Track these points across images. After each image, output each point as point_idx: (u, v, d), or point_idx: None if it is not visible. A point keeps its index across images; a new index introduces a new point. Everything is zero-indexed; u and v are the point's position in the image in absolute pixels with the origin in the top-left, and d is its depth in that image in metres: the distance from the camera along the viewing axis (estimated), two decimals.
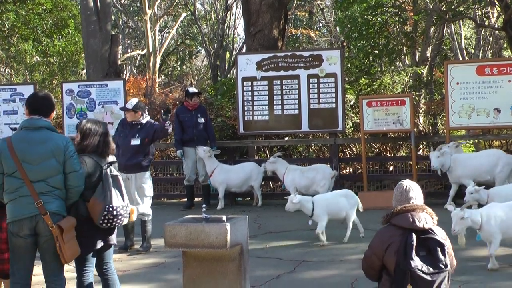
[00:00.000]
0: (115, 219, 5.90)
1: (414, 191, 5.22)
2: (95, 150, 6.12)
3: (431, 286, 4.85)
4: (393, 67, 18.76)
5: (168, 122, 9.66)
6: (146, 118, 9.74)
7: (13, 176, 5.71)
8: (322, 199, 9.79)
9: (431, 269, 4.86)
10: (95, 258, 6.22)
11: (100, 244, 6.08)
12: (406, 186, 5.24)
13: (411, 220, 4.99)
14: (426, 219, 5.02)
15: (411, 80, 16.97)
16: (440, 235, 5.03)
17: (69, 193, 5.84)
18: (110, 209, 5.86)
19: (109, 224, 5.90)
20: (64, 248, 5.67)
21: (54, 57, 23.95)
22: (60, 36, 24.32)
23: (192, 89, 13.63)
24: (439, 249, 4.92)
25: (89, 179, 5.98)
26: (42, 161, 5.70)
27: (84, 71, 22.15)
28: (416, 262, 4.85)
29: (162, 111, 9.93)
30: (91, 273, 6.22)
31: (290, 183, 12.58)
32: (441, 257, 4.90)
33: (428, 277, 4.83)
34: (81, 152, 6.08)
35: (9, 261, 5.92)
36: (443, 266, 4.88)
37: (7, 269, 6.20)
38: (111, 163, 6.14)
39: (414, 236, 4.91)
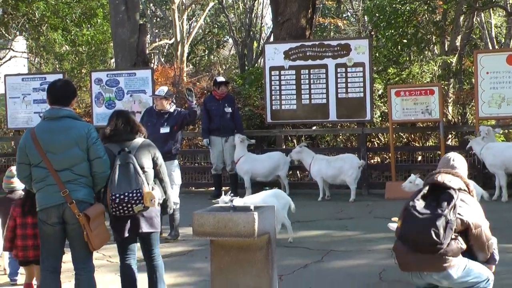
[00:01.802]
0: (119, 207, 5.92)
1: (456, 161, 5.67)
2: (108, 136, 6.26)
3: (420, 224, 5.23)
4: (421, 57, 18.62)
5: (194, 102, 9.67)
6: (173, 107, 9.79)
7: (39, 166, 5.76)
8: (251, 200, 8.87)
9: (425, 210, 5.28)
10: (135, 245, 6.30)
11: (128, 232, 6.14)
12: (450, 156, 5.74)
13: (434, 177, 5.46)
14: (452, 180, 5.40)
15: (440, 70, 16.83)
16: (464, 199, 5.36)
17: (95, 179, 5.88)
18: (112, 197, 5.91)
19: (120, 212, 5.95)
20: (92, 235, 5.72)
21: (83, 46, 24.06)
22: (89, 25, 24.43)
23: (220, 78, 13.64)
24: (445, 202, 5.25)
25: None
26: (65, 150, 5.73)
27: (113, 60, 22.24)
28: (416, 203, 5.34)
29: (186, 92, 9.93)
30: (133, 259, 6.30)
31: (316, 172, 12.58)
32: (444, 206, 5.22)
33: (419, 215, 5.25)
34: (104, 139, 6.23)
35: (40, 248, 6.00)
36: (440, 212, 5.19)
37: (31, 256, 6.28)
38: (123, 149, 6.14)
39: (427, 187, 5.42)
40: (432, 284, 5.56)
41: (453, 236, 5.26)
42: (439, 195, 5.35)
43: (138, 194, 5.95)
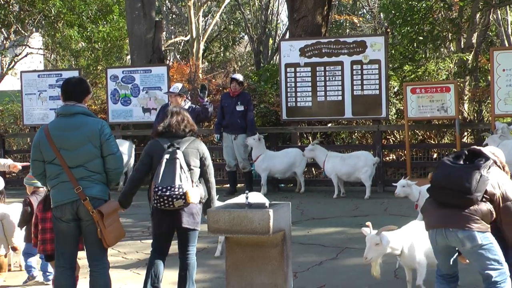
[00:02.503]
0: (161, 199, 6.01)
1: (494, 149, 5.86)
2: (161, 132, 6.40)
3: (454, 171, 5.41)
4: (437, 54, 18.58)
5: (207, 100, 9.68)
6: (188, 104, 9.81)
7: (52, 163, 5.78)
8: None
9: (460, 162, 5.51)
10: (170, 241, 6.43)
11: (167, 227, 6.25)
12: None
13: (472, 147, 5.72)
14: (489, 153, 5.59)
15: (456, 67, 16.76)
16: (498, 172, 5.55)
17: (109, 176, 5.90)
18: (156, 189, 6.02)
19: (161, 205, 6.02)
20: (106, 232, 5.73)
21: (99, 43, 24.14)
22: (105, 22, 24.50)
23: (234, 75, 13.68)
24: (481, 161, 5.42)
25: (153, 160, 6.29)
26: (78, 147, 5.74)
27: (128, 57, 22.33)
28: (450, 158, 5.60)
29: (199, 89, 9.95)
30: (163, 255, 6.42)
31: (330, 170, 12.56)
32: (479, 163, 5.39)
33: (453, 164, 5.47)
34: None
35: (54, 243, 6.05)
36: (475, 166, 5.38)
37: (49, 249, 6.32)
38: (172, 145, 6.25)
39: (465, 151, 5.62)
40: (452, 250, 5.59)
41: (484, 200, 5.34)
42: (474, 160, 5.51)
43: (180, 190, 6.04)
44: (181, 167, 6.11)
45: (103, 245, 5.83)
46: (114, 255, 8.48)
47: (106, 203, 5.83)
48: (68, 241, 5.87)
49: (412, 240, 6.41)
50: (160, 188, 6.02)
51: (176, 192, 6.02)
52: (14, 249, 6.90)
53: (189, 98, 10.00)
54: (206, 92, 9.78)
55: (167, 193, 6.00)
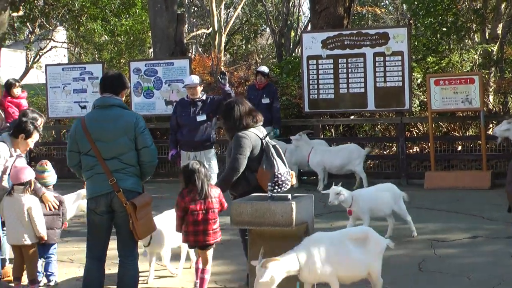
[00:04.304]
0: (283, 184, 6.15)
1: None
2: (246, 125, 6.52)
3: None
4: (461, 45, 18.37)
5: (227, 85, 9.64)
6: (204, 94, 9.82)
7: (88, 154, 5.83)
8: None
9: None
10: None
11: None
12: None
13: None
14: None
15: (480, 58, 16.60)
16: None
17: (142, 168, 5.91)
18: (279, 175, 6.13)
19: (278, 190, 6.10)
20: (138, 225, 5.76)
21: (122, 36, 24.23)
22: (127, 16, 24.60)
23: (259, 68, 13.66)
24: None
25: (253, 151, 6.41)
26: (114, 139, 5.78)
27: (151, 50, 22.35)
28: None
29: (219, 76, 9.92)
30: None
31: (318, 163, 12.72)
32: None
33: None
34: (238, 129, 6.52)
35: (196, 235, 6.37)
36: None
37: (192, 240, 6.43)
38: (267, 134, 6.49)
39: None
40: None
41: None
42: None
43: (289, 173, 6.32)
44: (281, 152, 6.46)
45: (134, 237, 5.87)
46: (141, 247, 8.49)
47: (139, 195, 5.86)
48: (100, 233, 5.92)
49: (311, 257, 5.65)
50: (282, 173, 6.18)
51: (289, 176, 6.28)
52: (41, 239, 6.92)
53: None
54: (226, 78, 9.72)
55: (288, 177, 6.22)
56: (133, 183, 5.85)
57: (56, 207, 7.20)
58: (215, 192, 6.49)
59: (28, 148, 7.16)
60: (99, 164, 5.77)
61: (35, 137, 7.05)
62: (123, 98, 6.09)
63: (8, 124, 8.80)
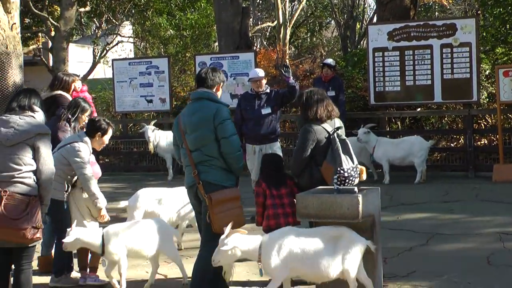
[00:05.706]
0: (347, 180, 6.09)
1: None
2: (319, 118, 6.47)
3: None
4: None
5: (291, 78, 9.60)
6: (268, 88, 9.84)
7: (183, 147, 6.01)
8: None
9: None
10: None
11: None
12: None
13: None
14: None
15: None
16: None
17: (225, 160, 5.89)
18: (342, 171, 6.08)
19: (343, 185, 6.07)
20: (214, 218, 5.73)
21: (187, 30, 24.46)
22: (192, 10, 24.84)
23: (325, 60, 13.61)
24: None
25: (318, 144, 6.36)
26: (196, 130, 5.87)
27: (216, 43, 22.52)
28: None
29: (282, 69, 9.89)
30: None
31: (382, 155, 12.58)
32: None
33: None
34: (307, 121, 6.49)
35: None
36: None
37: (283, 223, 6.45)
38: (338, 128, 6.42)
39: None
40: None
41: None
42: None
43: (357, 169, 6.23)
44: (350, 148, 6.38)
45: (211, 230, 5.80)
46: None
47: (219, 190, 5.81)
48: (199, 220, 6.14)
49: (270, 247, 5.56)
50: (345, 169, 6.13)
51: (358, 172, 6.25)
52: (102, 217, 6.92)
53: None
54: (290, 71, 9.69)
55: (352, 173, 6.15)
56: (216, 176, 5.84)
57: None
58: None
59: (104, 145, 7.29)
60: (188, 156, 5.92)
61: (110, 132, 7.18)
62: (219, 92, 6.13)
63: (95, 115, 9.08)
